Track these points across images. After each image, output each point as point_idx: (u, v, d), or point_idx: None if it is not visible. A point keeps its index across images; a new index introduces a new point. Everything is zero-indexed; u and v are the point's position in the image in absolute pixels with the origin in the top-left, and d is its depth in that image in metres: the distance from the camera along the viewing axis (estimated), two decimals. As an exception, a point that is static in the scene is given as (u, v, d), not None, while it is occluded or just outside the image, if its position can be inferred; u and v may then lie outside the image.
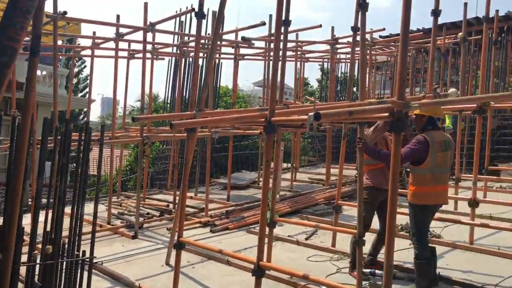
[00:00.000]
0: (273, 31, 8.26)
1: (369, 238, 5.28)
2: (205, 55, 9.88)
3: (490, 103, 5.79)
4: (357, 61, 15.83)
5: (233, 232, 7.28)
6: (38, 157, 4.10)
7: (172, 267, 4.93)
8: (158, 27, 8.53)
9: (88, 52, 10.43)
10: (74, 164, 4.21)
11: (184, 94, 10.84)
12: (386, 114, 3.23)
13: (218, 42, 10.68)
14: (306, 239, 6.70)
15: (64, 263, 3.61)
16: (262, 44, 11.10)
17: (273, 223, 5.31)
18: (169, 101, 12.08)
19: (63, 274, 3.61)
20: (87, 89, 20.53)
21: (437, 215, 5.20)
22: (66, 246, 3.63)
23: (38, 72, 16.04)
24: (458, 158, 7.64)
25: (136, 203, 7.47)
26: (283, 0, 3.95)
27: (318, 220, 7.55)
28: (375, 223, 5.37)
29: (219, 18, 4.53)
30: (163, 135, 9.67)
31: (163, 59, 11.39)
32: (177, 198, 7.77)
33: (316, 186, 10.93)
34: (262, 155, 8.00)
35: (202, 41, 9.18)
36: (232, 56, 10.87)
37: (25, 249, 3.30)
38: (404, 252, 5.87)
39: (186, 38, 10.38)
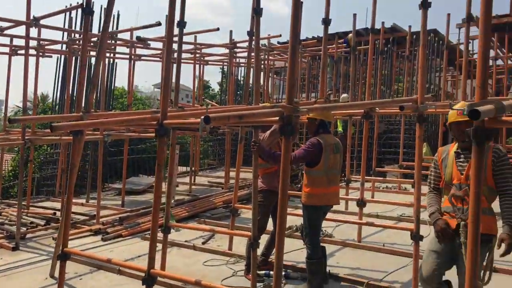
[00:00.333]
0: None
1: (265, 240, 5.37)
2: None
3: (376, 109, 6.15)
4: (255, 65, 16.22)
5: (127, 239, 6.97)
6: None
7: (57, 280, 4.57)
8: (44, 22, 7.94)
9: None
10: None
11: (74, 95, 10.23)
12: (277, 118, 3.26)
13: (113, 41, 10.25)
14: (203, 243, 6.62)
15: None
16: (160, 45, 10.83)
17: (167, 229, 5.15)
18: (58, 102, 11.33)
19: None
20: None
21: (329, 215, 5.39)
22: None
23: None
24: (348, 160, 8.06)
25: (17, 212, 6.84)
26: (175, 0, 3.83)
27: (216, 224, 7.51)
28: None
29: (108, 14, 4.29)
30: (49, 138, 8.99)
31: (51, 56, 10.65)
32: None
33: (215, 190, 10.91)
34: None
35: (94, 39, 8.74)
36: (127, 56, 10.46)
37: None
38: (298, 252, 6.03)
39: (77, 35, 9.80)
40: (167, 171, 7.90)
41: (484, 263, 3.28)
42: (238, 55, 12.79)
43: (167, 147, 6.80)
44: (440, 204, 3.57)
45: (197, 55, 12.29)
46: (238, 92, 16.58)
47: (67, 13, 10.30)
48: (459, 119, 3.41)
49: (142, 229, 7.25)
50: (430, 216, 3.55)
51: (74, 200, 5.55)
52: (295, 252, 6.08)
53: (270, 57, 14.06)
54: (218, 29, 10.07)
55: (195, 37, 11.53)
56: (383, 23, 9.77)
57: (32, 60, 8.26)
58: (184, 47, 11.72)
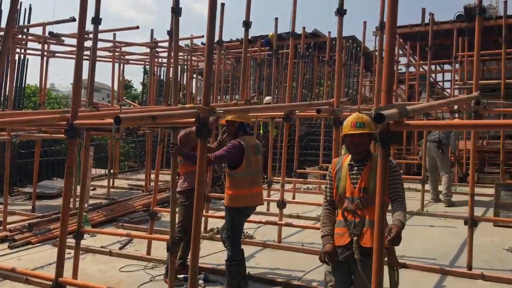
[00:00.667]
0: (88, 28, 7.73)
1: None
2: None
3: (296, 112, 6.29)
4: (179, 65, 15.99)
5: (37, 246, 6.55)
6: None
7: (-47, 295, 4.20)
8: None
9: None
10: None
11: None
12: (193, 119, 3.21)
13: (24, 36, 9.63)
14: (120, 248, 6.38)
15: None
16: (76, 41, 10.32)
17: (80, 234, 4.89)
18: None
19: None
20: None
21: (251, 216, 5.40)
22: None
23: None
24: (270, 162, 8.15)
25: None
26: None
27: (135, 228, 7.28)
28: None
29: (13, 5, 4.00)
30: None
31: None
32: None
33: (135, 193, 10.60)
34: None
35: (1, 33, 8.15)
36: (39, 52, 9.85)
37: None
38: (218, 254, 5.99)
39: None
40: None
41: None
42: (161, 54, 12.54)
43: (80, 148, 6.53)
44: (333, 222, 3.47)
45: (117, 53, 11.87)
46: (162, 93, 16.26)
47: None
48: (351, 132, 3.36)
49: (54, 235, 6.83)
50: (322, 238, 3.42)
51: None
52: (215, 254, 6.05)
53: (194, 58, 13.93)
54: (138, 27, 9.81)
55: (114, 34, 11.15)
56: (303, 28, 10.02)
57: None
58: (103, 44, 11.36)
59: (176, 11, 4.67)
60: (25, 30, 9.39)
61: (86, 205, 7.25)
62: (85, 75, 5.52)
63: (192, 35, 12.04)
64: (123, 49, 12.66)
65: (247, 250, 5.17)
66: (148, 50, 11.83)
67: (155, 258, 5.81)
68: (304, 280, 5.15)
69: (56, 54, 10.75)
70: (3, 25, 8.12)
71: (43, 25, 9.39)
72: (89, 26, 5.15)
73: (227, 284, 4.76)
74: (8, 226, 7.16)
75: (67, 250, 4.40)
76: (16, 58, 10.30)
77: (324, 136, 11.07)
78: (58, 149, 13.47)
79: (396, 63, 13.26)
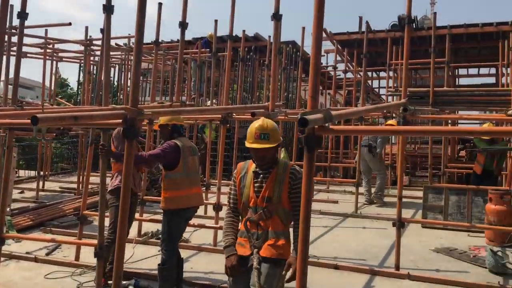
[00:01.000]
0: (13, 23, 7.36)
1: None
2: None
3: (233, 114, 6.27)
4: (116, 65, 15.58)
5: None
6: None
7: None
8: None
9: None
10: None
11: None
12: (120, 120, 3.11)
13: None
14: (47, 254, 6.09)
15: None
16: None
17: (1, 240, 4.64)
18: None
19: None
20: None
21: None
22: None
23: None
24: (208, 164, 8.09)
25: None
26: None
27: (64, 232, 6.98)
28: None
29: None
30: None
31: None
32: None
33: (67, 196, 10.17)
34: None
35: None
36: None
37: None
38: (152, 259, 5.87)
39: None
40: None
41: None
42: (97, 53, 12.14)
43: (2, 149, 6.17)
44: (237, 230, 3.28)
45: (49, 50, 11.36)
46: (101, 92, 15.75)
47: None
48: (254, 147, 3.10)
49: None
50: (224, 249, 3.23)
51: None
52: (149, 259, 5.93)
53: (132, 57, 13.60)
54: (70, 23, 9.41)
55: (46, 30, 10.67)
56: (243, 31, 10.04)
57: None
58: (34, 40, 10.85)
59: (108, 8, 4.53)
60: None
61: (8, 209, 6.87)
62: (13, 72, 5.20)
63: (129, 34, 11.76)
64: (58, 46, 12.16)
65: (182, 254, 5.07)
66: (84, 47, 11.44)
67: (84, 264, 5.60)
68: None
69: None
70: None
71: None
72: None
73: None
74: None
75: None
76: None
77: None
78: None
79: (334, 69, 13.61)
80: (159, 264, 4.68)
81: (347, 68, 15.02)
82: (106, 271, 4.86)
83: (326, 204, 9.51)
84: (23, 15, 4.82)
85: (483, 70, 18.20)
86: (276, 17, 5.08)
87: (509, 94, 6.56)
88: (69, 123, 2.87)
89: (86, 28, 10.30)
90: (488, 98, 7.99)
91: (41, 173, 10.96)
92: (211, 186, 8.62)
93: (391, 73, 13.87)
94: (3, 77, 7.04)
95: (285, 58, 13.31)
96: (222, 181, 6.84)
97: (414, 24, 14.88)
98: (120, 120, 3.09)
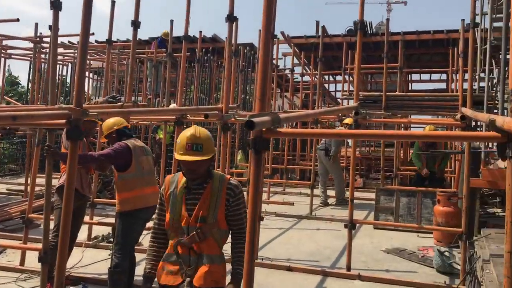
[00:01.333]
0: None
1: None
2: None
3: (188, 116, 6.20)
4: (69, 63, 15.14)
5: None
6: None
7: None
8: None
9: None
10: None
11: None
12: (63, 121, 3.00)
13: None
14: (-10, 260, 5.82)
15: None
16: None
17: None
18: None
19: None
20: None
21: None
22: None
23: None
24: (163, 166, 7.96)
25: None
26: None
27: (9, 236, 6.69)
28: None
29: None
30: None
31: None
32: None
33: (14, 198, 9.77)
34: None
35: None
36: None
37: None
38: (102, 263, 5.71)
39: None
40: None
41: None
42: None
43: None
44: (161, 256, 2.82)
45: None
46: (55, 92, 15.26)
47: None
48: (185, 159, 2.67)
49: None
50: (143, 277, 2.86)
51: None
52: (99, 263, 5.76)
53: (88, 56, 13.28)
54: (18, 19, 9.03)
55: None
56: (200, 32, 9.99)
57: None
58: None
59: (56, 5, 4.37)
60: None
61: None
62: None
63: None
64: (7, 43, 11.69)
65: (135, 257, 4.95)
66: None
67: (29, 269, 5.37)
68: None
69: None
70: None
71: None
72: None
73: None
74: None
75: None
76: None
77: (220, 141, 11.07)
78: None
79: (291, 72, 13.73)
80: (110, 268, 4.55)
81: (304, 71, 15.19)
82: (52, 276, 4.69)
83: (282, 206, 9.57)
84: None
85: (435, 76, 18.87)
86: (231, 18, 5.06)
87: (457, 100, 6.80)
88: (7, 123, 2.75)
89: (36, 24, 9.95)
90: (438, 103, 8.28)
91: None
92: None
93: (346, 77, 14.13)
94: None
95: (242, 60, 13.33)
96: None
97: (369, 30, 15.24)
98: (64, 121, 2.98)
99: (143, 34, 19.12)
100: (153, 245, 2.87)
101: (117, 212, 4.62)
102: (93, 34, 11.01)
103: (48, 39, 10.16)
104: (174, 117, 5.93)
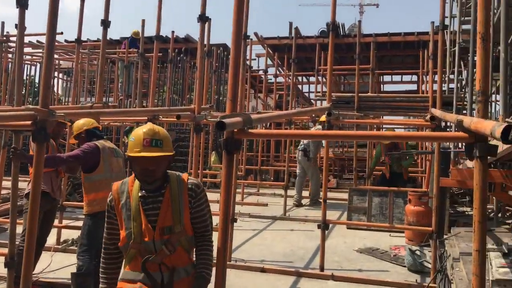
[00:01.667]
0: None
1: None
2: None
3: (160, 117, 6.13)
4: (38, 63, 14.81)
5: None
6: None
7: None
8: None
9: None
10: None
11: None
12: (29, 122, 2.92)
13: None
14: (-46, 266, 5.60)
15: None
16: None
17: None
18: None
19: None
20: None
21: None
22: None
23: None
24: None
25: None
26: None
27: (-26, 242, 6.47)
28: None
29: None
30: None
31: None
32: None
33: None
34: None
35: None
36: None
37: None
38: (72, 268, 5.56)
39: None
40: None
41: None
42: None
43: None
44: (117, 279, 2.52)
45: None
46: (23, 92, 14.92)
47: None
48: (144, 155, 2.35)
49: None
50: None
51: None
52: (68, 267, 5.61)
53: (55, 56, 13.01)
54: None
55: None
56: (173, 32, 9.90)
57: None
58: None
59: (22, 3, 4.25)
60: None
61: None
62: None
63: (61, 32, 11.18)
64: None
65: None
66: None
67: (-7, 275, 5.21)
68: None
69: None
70: None
71: None
72: None
73: None
74: None
75: None
76: None
77: (192, 142, 11.00)
78: None
79: (265, 72, 13.75)
80: (73, 272, 4.41)
81: (277, 72, 15.23)
82: (19, 282, 4.54)
83: (256, 207, 9.56)
84: None
85: (406, 77, 19.20)
86: (203, 18, 5.02)
87: (427, 100, 6.91)
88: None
89: (2, 23, 9.68)
90: (409, 104, 8.41)
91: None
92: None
93: (319, 78, 14.24)
94: None
95: (216, 61, 13.28)
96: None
97: (341, 32, 15.39)
98: (30, 122, 2.90)
99: (115, 34, 18.83)
100: (107, 267, 2.55)
101: (84, 214, 4.52)
102: (61, 33, 10.75)
103: (14, 38, 9.94)
104: (146, 118, 5.86)
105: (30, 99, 15.38)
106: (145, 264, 2.37)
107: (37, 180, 2.86)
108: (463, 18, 8.15)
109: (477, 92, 2.31)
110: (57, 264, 5.71)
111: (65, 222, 6.86)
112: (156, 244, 2.37)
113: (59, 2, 2.94)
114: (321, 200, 9.64)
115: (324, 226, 5.50)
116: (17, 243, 4.36)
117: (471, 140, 2.22)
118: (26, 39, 10.08)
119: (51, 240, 5.89)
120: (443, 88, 8.14)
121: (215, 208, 3.89)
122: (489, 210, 7.83)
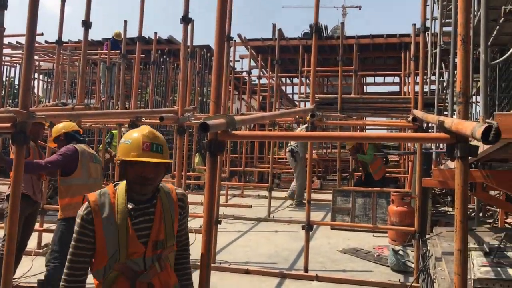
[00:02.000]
0: None
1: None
2: None
3: (143, 119, 6.08)
4: (18, 64, 14.57)
5: None
6: None
7: None
8: None
9: None
10: None
11: None
12: (9, 124, 2.86)
13: None
14: None
15: None
16: None
17: None
18: None
19: None
20: None
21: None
22: None
23: None
24: (111, 170, 7.77)
25: None
26: None
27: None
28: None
29: None
30: None
31: None
32: None
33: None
34: None
35: None
36: None
37: None
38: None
39: None
40: None
41: None
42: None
43: None
44: None
45: None
46: (2, 94, 14.67)
47: None
48: (145, 159, 2.08)
49: None
50: None
51: None
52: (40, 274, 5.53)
53: (36, 57, 12.81)
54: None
55: None
56: (155, 33, 9.82)
57: None
58: None
59: (1, 4, 4.18)
60: None
61: None
62: None
63: (41, 33, 11.02)
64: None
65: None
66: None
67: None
68: None
69: None
70: None
71: None
72: None
73: None
74: None
75: None
76: None
77: (176, 144, 10.94)
78: None
79: (248, 74, 13.75)
80: (41, 279, 4.30)
81: (261, 74, 15.25)
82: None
83: (240, 209, 9.55)
84: None
85: (388, 79, 19.37)
86: (186, 20, 5.00)
87: (409, 102, 6.97)
88: None
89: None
90: (391, 105, 8.47)
91: None
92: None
93: (303, 80, 14.28)
94: None
95: (199, 62, 13.23)
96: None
97: (324, 33, 15.47)
98: (9, 124, 2.84)
99: (96, 35, 18.65)
100: None
101: (58, 219, 4.40)
102: (42, 34, 10.64)
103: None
104: (128, 120, 5.80)
105: (10, 101, 15.13)
106: (135, 284, 2.07)
107: (17, 184, 2.81)
108: (444, 20, 8.24)
109: (458, 93, 2.33)
110: (38, 268, 5.60)
111: (46, 225, 6.74)
112: (147, 261, 2.10)
113: (39, 3, 2.89)
114: (305, 201, 9.76)
115: (308, 227, 5.52)
116: (-3, 247, 4.27)
117: (452, 140, 2.24)
118: (5, 40, 9.92)
119: (32, 244, 5.79)
120: (425, 90, 8.22)
121: (199, 210, 3.87)
122: (470, 210, 7.95)
